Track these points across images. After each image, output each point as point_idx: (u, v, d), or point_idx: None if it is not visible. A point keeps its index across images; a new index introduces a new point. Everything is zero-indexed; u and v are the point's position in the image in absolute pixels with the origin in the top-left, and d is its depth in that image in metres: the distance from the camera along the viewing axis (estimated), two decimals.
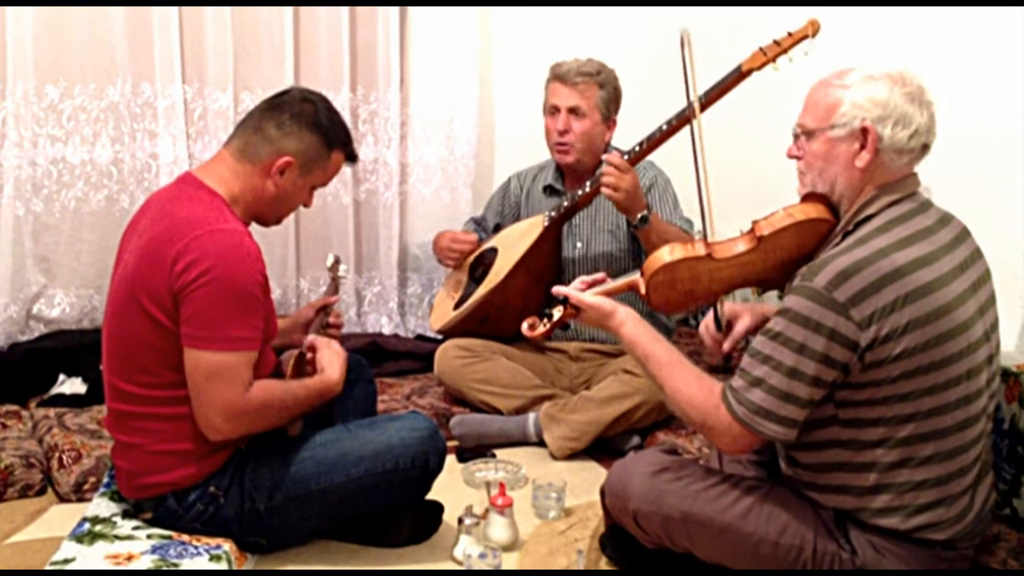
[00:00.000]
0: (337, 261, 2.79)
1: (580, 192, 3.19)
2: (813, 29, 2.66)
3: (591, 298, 2.16)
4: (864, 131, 1.92)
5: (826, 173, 1.98)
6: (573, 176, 3.42)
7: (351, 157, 2.44)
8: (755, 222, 2.04)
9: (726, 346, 2.24)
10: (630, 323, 2.12)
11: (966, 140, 2.67)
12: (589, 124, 3.29)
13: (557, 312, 2.21)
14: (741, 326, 2.24)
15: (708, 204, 2.13)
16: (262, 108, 2.33)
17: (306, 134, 2.30)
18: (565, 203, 3.24)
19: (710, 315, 2.25)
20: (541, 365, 3.38)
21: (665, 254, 2.08)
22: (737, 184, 3.35)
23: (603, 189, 2.99)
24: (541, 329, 2.23)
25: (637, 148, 3.06)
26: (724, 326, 2.23)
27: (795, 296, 1.87)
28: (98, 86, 3.51)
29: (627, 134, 3.46)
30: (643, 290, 2.11)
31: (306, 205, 2.44)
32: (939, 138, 1.97)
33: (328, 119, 2.34)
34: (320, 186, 2.43)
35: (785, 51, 2.71)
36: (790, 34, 2.71)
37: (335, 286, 2.77)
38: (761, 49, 2.76)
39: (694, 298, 2.13)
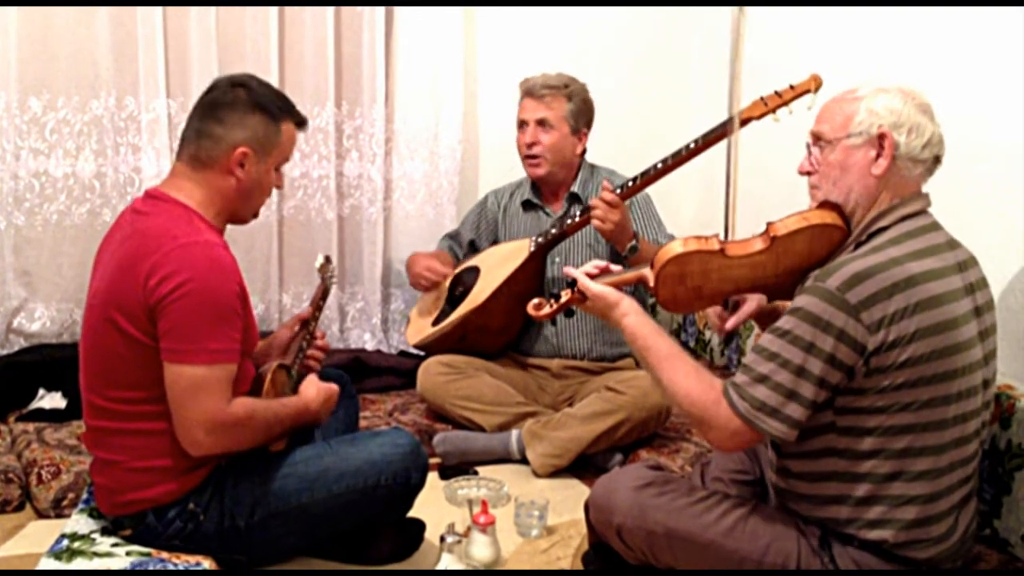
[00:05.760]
0: (327, 261, 2.74)
1: (569, 221, 3.21)
2: (815, 84, 2.68)
3: (597, 286, 2.15)
4: (881, 137, 1.94)
5: (841, 182, 1.99)
6: (548, 189, 3.45)
7: (300, 123, 2.37)
8: (770, 223, 2.04)
9: (730, 324, 2.25)
10: (633, 315, 2.11)
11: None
12: (557, 136, 3.33)
13: (564, 295, 2.20)
14: (748, 307, 2.25)
15: (732, 206, 2.13)
16: (199, 112, 2.28)
17: (249, 118, 2.25)
18: (553, 230, 3.25)
19: None
20: (524, 382, 3.38)
21: (678, 245, 2.06)
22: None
23: (593, 221, 3.02)
24: (547, 310, 2.23)
25: (630, 183, 3.08)
26: (731, 305, 2.25)
27: (807, 296, 1.88)
28: (82, 99, 3.50)
29: (612, 142, 3.49)
30: (652, 282, 2.10)
31: (278, 187, 2.40)
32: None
33: (265, 95, 2.29)
34: (283, 163, 2.36)
35: (786, 103, 2.72)
36: (792, 87, 2.72)
37: (324, 288, 2.73)
38: (762, 99, 2.77)
39: (701, 297, 2.13)
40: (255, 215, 2.40)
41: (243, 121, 2.24)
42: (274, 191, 3.68)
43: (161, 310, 2.11)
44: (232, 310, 2.18)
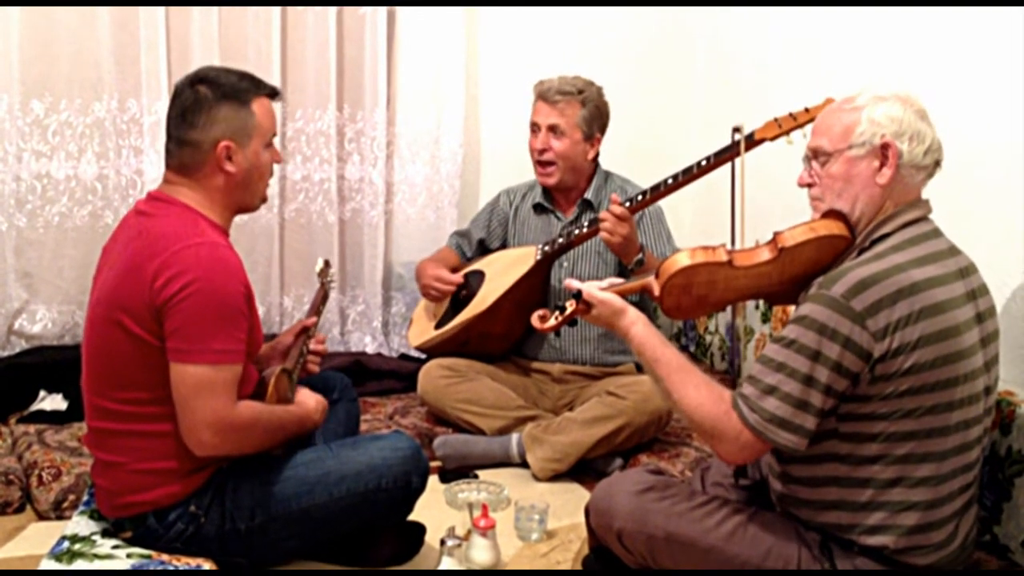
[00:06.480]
0: (327, 265, 2.74)
1: (576, 231, 3.19)
2: None
3: (603, 294, 2.14)
4: (884, 147, 1.93)
5: (846, 193, 1.98)
6: (560, 194, 3.43)
7: (272, 94, 2.34)
8: (777, 234, 2.03)
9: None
10: (640, 324, 2.10)
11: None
12: (569, 143, 3.30)
13: (569, 306, 2.19)
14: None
15: (741, 217, 2.12)
16: (172, 122, 2.27)
17: (218, 112, 2.24)
18: (560, 240, 3.24)
19: None
20: (525, 386, 3.38)
21: (685, 257, 2.05)
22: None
23: (601, 233, 3.01)
24: (552, 322, 2.23)
25: (640, 197, 3.05)
26: None
27: (812, 304, 1.88)
28: (84, 102, 3.50)
29: (615, 146, 3.49)
30: (657, 292, 2.09)
31: (277, 162, 2.39)
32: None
33: (226, 82, 2.27)
34: (271, 138, 2.34)
35: (800, 126, 2.71)
36: (807, 110, 2.71)
37: (323, 293, 2.73)
38: (776, 120, 2.76)
39: (705, 305, 2.12)
40: (263, 199, 2.39)
41: (213, 117, 2.23)
42: (275, 194, 3.77)
43: (168, 310, 2.12)
44: (238, 311, 2.18)
